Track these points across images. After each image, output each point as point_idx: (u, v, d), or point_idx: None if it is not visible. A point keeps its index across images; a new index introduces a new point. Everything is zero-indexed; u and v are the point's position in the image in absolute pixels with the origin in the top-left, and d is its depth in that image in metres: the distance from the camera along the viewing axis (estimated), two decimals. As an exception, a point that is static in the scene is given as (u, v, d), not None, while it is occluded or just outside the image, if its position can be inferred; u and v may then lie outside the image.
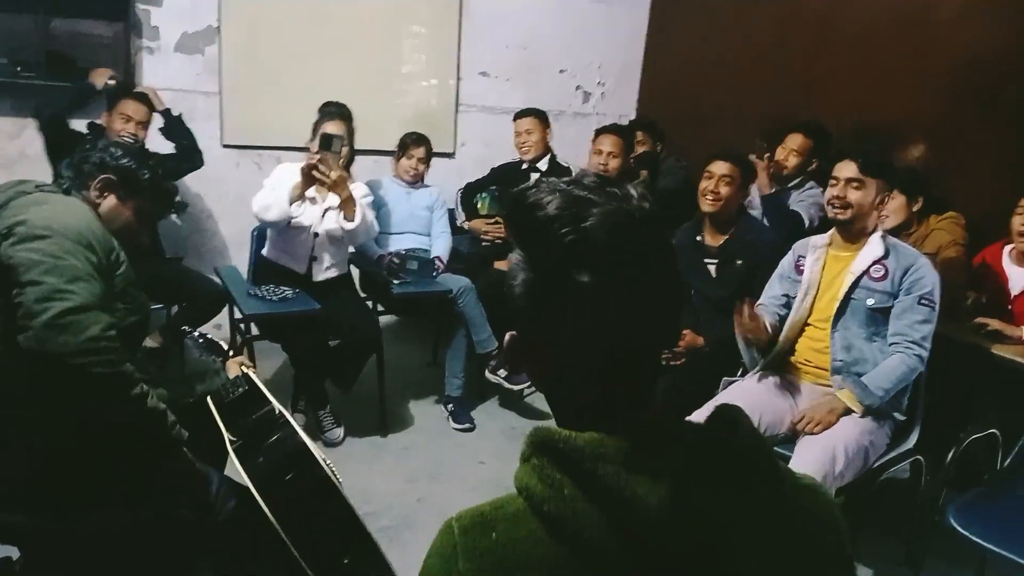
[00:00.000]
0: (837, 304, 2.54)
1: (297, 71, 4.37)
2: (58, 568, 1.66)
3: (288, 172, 3.33)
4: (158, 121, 3.60)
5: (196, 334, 2.33)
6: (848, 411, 2.41)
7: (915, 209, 3.19)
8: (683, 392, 2.74)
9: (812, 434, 2.35)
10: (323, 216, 3.38)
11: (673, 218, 3.54)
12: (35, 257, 1.55)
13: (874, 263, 2.51)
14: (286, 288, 3.26)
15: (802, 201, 3.73)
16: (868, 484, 2.37)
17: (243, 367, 2.18)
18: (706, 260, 3.15)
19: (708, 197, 3.04)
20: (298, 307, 3.18)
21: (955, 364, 2.77)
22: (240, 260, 3.68)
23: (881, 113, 3.86)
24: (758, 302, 2.78)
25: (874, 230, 2.57)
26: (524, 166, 4.25)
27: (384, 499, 2.92)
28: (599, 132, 3.93)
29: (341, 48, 4.50)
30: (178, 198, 2.10)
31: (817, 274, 2.64)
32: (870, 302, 2.49)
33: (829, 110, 3.99)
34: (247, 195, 3.70)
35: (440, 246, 3.97)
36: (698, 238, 3.17)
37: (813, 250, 2.68)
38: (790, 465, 2.23)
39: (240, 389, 2.03)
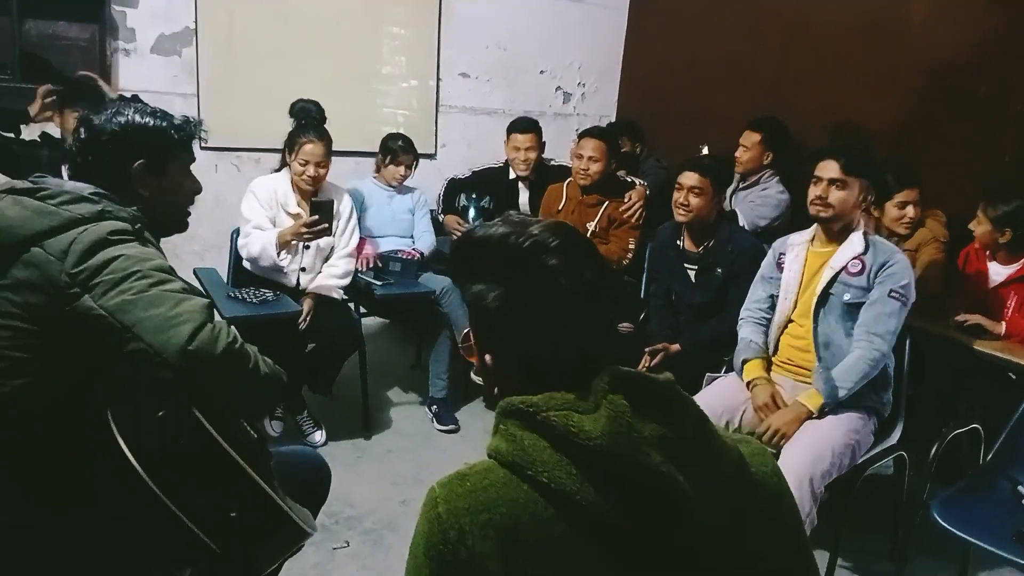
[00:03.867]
0: (815, 299, 2.54)
1: (276, 72, 4.33)
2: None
3: (264, 190, 3.32)
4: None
5: None
6: (811, 415, 2.39)
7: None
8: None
9: (778, 446, 2.34)
10: None
11: (655, 218, 3.56)
12: (129, 298, 1.42)
13: (853, 258, 2.50)
14: (266, 290, 3.23)
15: (751, 201, 3.75)
16: (853, 480, 2.37)
17: None
18: (686, 265, 3.17)
19: (679, 209, 3.05)
20: (279, 310, 3.15)
21: (938, 360, 2.79)
22: (219, 262, 3.64)
23: (854, 113, 3.89)
24: (743, 307, 2.78)
25: (856, 227, 2.56)
26: (512, 176, 4.19)
27: (367, 502, 2.89)
28: (581, 135, 3.82)
29: (320, 49, 4.47)
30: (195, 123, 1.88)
31: (798, 271, 2.63)
32: (846, 297, 2.48)
33: (802, 110, 4.03)
34: (226, 197, 3.65)
35: (423, 243, 3.96)
36: (678, 242, 3.18)
37: (792, 248, 2.67)
38: (779, 463, 2.23)
39: None
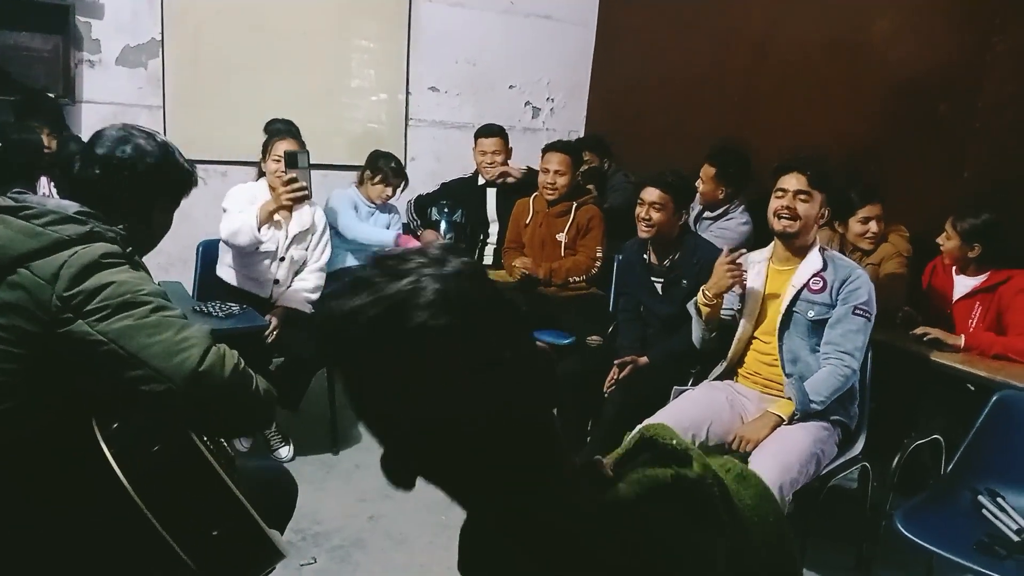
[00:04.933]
0: (780, 317, 2.58)
1: (243, 85, 4.31)
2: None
3: (244, 192, 3.29)
4: None
5: None
6: (781, 422, 2.44)
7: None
8: (634, 404, 2.79)
9: (747, 451, 2.38)
10: (288, 241, 3.35)
11: (623, 233, 3.59)
12: (132, 323, 1.39)
13: (813, 275, 2.54)
14: (232, 304, 3.20)
15: (711, 232, 3.77)
16: (817, 492, 2.40)
17: None
18: (652, 278, 3.20)
19: (642, 224, 3.09)
20: (246, 323, 3.11)
21: (899, 372, 2.84)
22: (184, 276, 3.60)
23: (819, 131, 3.95)
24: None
25: (813, 243, 2.60)
26: (481, 182, 4.24)
27: (335, 519, 2.86)
28: (546, 150, 3.87)
29: (288, 62, 4.45)
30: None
31: (760, 288, 2.67)
32: (810, 314, 2.53)
33: (767, 128, 4.09)
34: (191, 210, 3.57)
35: None
36: (644, 256, 3.22)
37: (753, 265, 2.70)
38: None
39: None
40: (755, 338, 2.70)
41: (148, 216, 1.68)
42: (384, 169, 3.91)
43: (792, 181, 2.53)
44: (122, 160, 1.63)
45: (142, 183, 1.65)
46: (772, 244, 2.70)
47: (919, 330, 2.93)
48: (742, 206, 3.76)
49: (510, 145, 4.26)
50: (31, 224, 1.45)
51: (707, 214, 3.87)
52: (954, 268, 3.11)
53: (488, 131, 4.20)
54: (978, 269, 3.02)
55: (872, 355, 2.64)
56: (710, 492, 0.77)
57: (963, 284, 3.07)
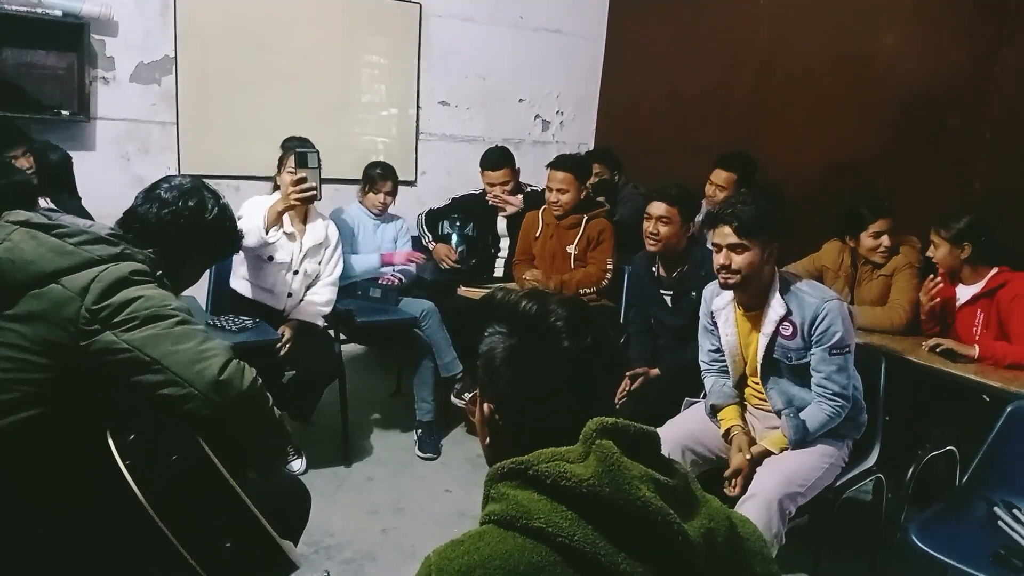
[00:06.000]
0: (759, 365, 2.49)
1: (255, 101, 4.35)
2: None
3: (259, 204, 3.30)
4: None
5: None
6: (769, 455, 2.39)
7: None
8: (644, 415, 2.77)
9: (741, 490, 2.33)
10: (302, 255, 3.36)
11: (633, 244, 3.59)
12: (159, 332, 1.45)
13: (781, 321, 2.42)
14: (245, 318, 3.22)
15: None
16: (831, 503, 2.39)
17: None
18: (662, 291, 3.20)
19: (649, 239, 3.09)
20: (259, 336, 3.14)
21: (912, 383, 2.82)
22: (197, 291, 3.61)
23: (826, 143, 3.95)
24: (700, 358, 2.73)
25: (772, 283, 2.45)
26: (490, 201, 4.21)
27: (346, 532, 2.87)
28: (549, 167, 3.82)
29: (300, 78, 4.49)
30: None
31: (733, 336, 2.57)
32: (789, 359, 2.44)
33: (774, 141, 4.09)
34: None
35: (404, 270, 3.98)
36: (652, 269, 3.22)
37: (719, 313, 2.59)
38: (751, 487, 2.26)
39: None
40: (745, 375, 2.62)
41: (183, 264, 1.73)
42: (371, 175, 3.91)
43: (722, 235, 2.40)
44: (182, 209, 1.70)
45: (192, 235, 1.71)
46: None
47: (932, 341, 2.92)
48: None
49: (518, 166, 4.20)
50: (64, 243, 1.50)
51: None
52: (952, 277, 3.08)
53: (492, 164, 4.08)
54: (974, 272, 2.99)
55: (885, 367, 2.62)
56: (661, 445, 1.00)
57: (964, 292, 3.05)
